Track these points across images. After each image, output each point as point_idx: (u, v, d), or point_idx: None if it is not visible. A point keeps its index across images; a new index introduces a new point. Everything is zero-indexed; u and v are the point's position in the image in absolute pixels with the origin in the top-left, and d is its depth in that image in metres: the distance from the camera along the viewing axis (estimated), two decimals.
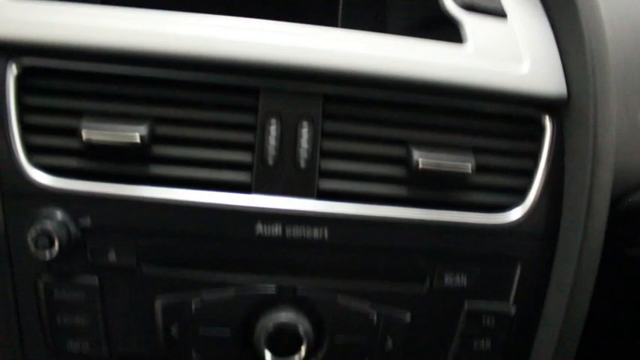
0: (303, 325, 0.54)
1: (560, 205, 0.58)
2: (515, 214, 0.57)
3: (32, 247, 0.50)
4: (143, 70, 0.53)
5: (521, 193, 0.58)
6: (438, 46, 0.56)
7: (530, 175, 0.58)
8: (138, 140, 0.50)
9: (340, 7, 0.68)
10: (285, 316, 0.54)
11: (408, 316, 0.57)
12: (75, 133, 0.51)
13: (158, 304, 0.55)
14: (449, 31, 0.59)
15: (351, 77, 0.54)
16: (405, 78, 0.54)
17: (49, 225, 0.50)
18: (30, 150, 0.52)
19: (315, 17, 0.67)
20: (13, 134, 0.52)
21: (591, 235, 0.56)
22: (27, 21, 0.52)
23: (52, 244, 0.50)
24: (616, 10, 0.71)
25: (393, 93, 0.55)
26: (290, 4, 0.69)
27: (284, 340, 0.54)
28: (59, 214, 0.52)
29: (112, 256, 0.53)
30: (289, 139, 0.54)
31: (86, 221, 0.52)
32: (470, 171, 0.54)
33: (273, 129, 0.54)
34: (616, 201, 0.63)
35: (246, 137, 0.54)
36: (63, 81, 0.53)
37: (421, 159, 0.54)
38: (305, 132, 0.54)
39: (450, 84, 0.55)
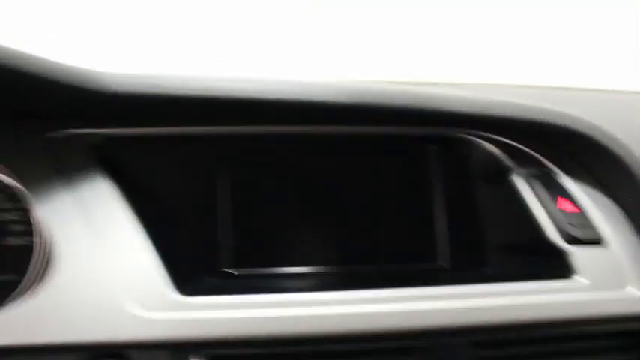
0: None
1: None
2: None
3: None
4: (317, 348, 0.59)
5: None
6: (557, 284, 0.63)
7: None
8: None
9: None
10: None
11: None
12: None
13: None
14: (552, 258, 0.67)
15: (493, 328, 0.62)
16: (539, 320, 0.62)
17: None
18: None
19: (417, 257, 0.75)
20: None
21: None
22: (202, 320, 0.56)
23: None
24: None
25: (525, 333, 0.63)
26: (392, 253, 0.76)
27: None
28: None
29: None
30: None
31: None
32: None
33: None
34: None
35: None
36: None
37: None
38: None
39: (574, 318, 0.62)
